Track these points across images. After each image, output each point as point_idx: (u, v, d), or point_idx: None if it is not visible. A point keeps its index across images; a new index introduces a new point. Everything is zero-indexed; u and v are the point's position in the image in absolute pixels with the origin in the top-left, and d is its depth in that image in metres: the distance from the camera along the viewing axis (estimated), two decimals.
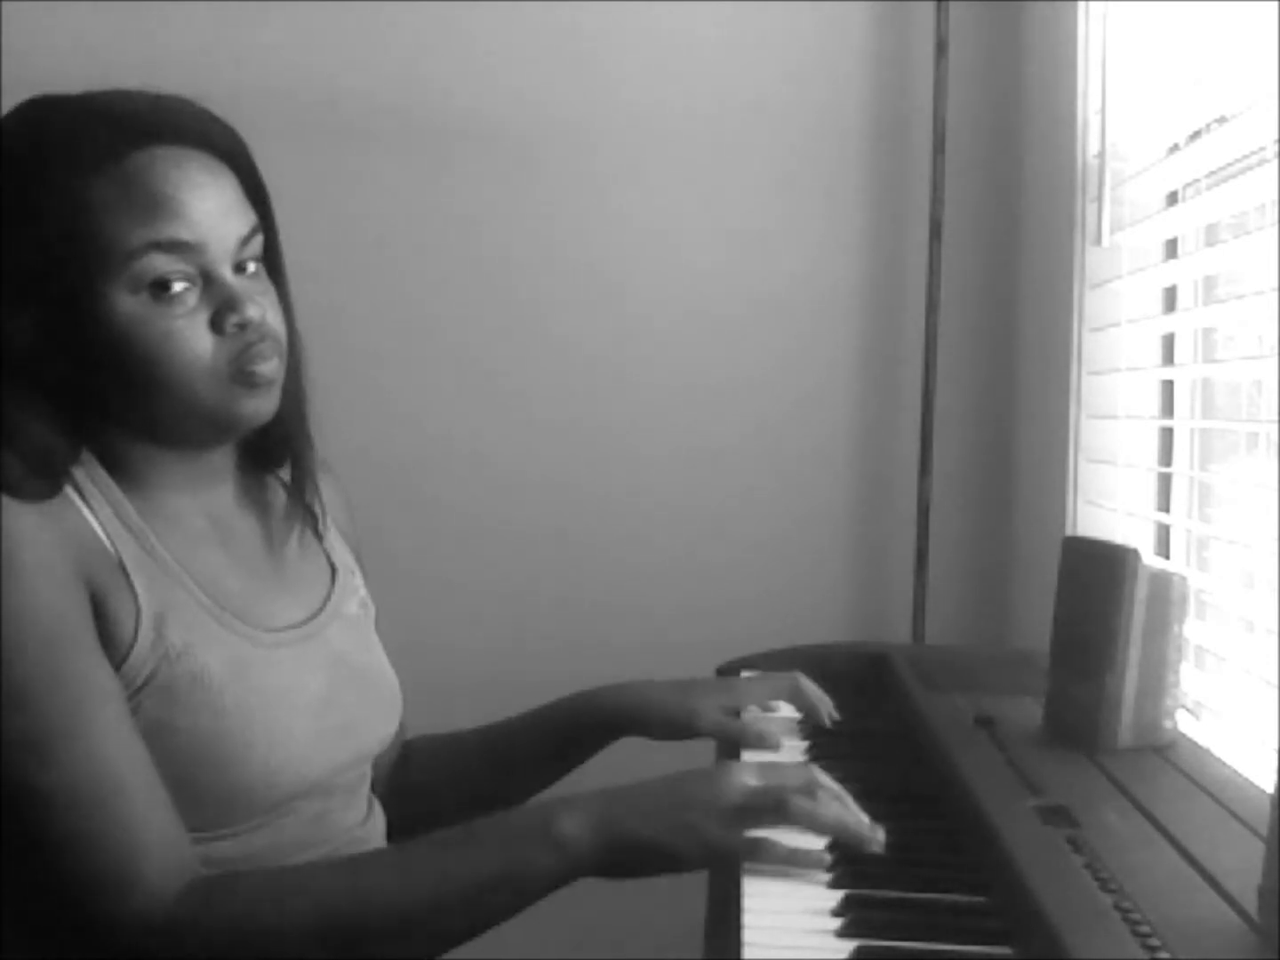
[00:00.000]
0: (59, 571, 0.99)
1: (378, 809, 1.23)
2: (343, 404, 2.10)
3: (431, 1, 2.13)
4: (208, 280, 1.05)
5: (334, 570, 1.23)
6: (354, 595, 1.24)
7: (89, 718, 0.97)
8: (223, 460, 1.16)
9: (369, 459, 2.14)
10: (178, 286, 1.03)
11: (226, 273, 1.06)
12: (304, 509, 1.22)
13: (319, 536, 1.24)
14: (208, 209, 1.05)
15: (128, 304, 1.03)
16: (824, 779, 1.01)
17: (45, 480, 1.02)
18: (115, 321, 1.03)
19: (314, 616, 1.17)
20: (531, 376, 2.18)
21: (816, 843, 0.99)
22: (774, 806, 0.97)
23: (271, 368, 1.08)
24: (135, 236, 1.02)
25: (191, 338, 1.04)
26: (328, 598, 1.20)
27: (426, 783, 1.34)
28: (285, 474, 1.23)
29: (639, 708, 1.31)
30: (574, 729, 1.33)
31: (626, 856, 0.97)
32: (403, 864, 1.00)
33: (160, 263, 1.03)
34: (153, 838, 0.97)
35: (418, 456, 2.17)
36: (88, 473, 1.06)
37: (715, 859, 0.98)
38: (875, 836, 0.98)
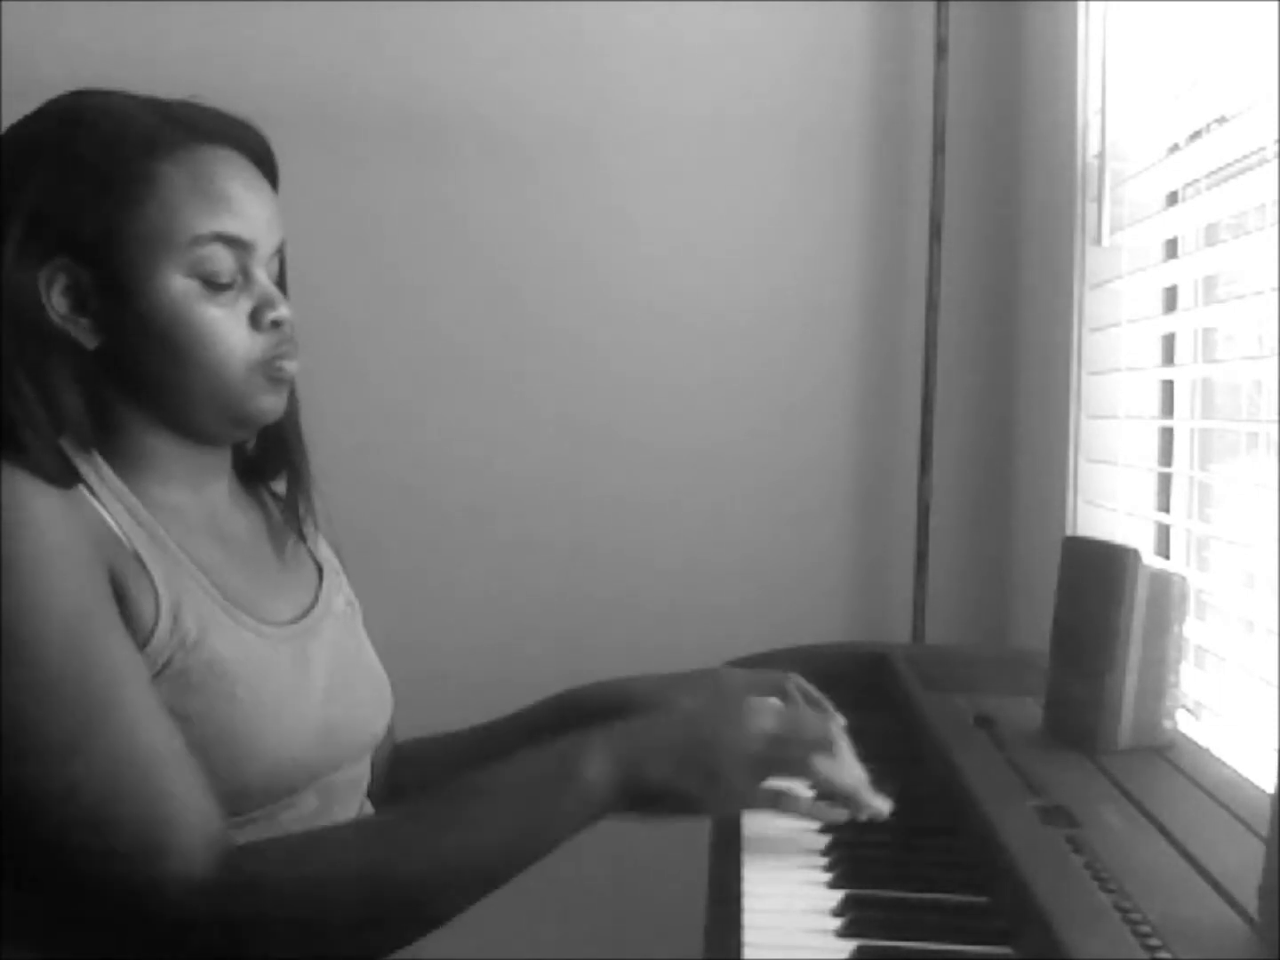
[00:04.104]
0: (84, 555, 1.01)
1: (368, 807, 1.24)
2: (343, 404, 2.11)
3: (432, 1, 2.13)
4: (247, 278, 1.11)
5: (320, 569, 1.25)
6: (340, 593, 1.26)
7: (122, 693, 0.98)
8: (220, 458, 1.19)
9: (369, 459, 2.14)
10: (228, 279, 1.09)
11: (264, 274, 1.12)
12: (290, 511, 1.25)
13: (303, 538, 1.26)
14: (261, 214, 1.11)
15: (180, 285, 1.07)
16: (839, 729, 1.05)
17: (65, 464, 1.04)
18: (165, 300, 1.07)
19: (307, 613, 1.18)
20: (531, 377, 2.18)
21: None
22: (796, 761, 1.01)
23: (294, 367, 1.14)
24: (201, 224, 1.07)
25: (234, 328, 1.10)
26: (317, 596, 1.22)
27: (418, 785, 1.34)
28: (275, 487, 1.27)
29: (623, 705, 1.30)
30: (561, 727, 1.32)
31: (647, 798, 0.99)
32: (437, 817, 1.01)
33: (219, 254, 1.08)
34: (186, 807, 0.98)
35: (417, 457, 2.17)
36: (94, 470, 1.08)
37: (736, 808, 1.02)
38: (883, 808, 1.02)
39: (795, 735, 1.02)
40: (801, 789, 1.04)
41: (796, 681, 1.37)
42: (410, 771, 1.36)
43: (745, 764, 0.99)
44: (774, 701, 1.09)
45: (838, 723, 1.07)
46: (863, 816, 1.02)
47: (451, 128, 2.16)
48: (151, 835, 0.96)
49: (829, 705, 1.35)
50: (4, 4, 2.04)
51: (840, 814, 1.01)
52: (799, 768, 1.01)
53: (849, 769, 1.02)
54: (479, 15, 2.14)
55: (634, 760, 0.99)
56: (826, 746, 1.02)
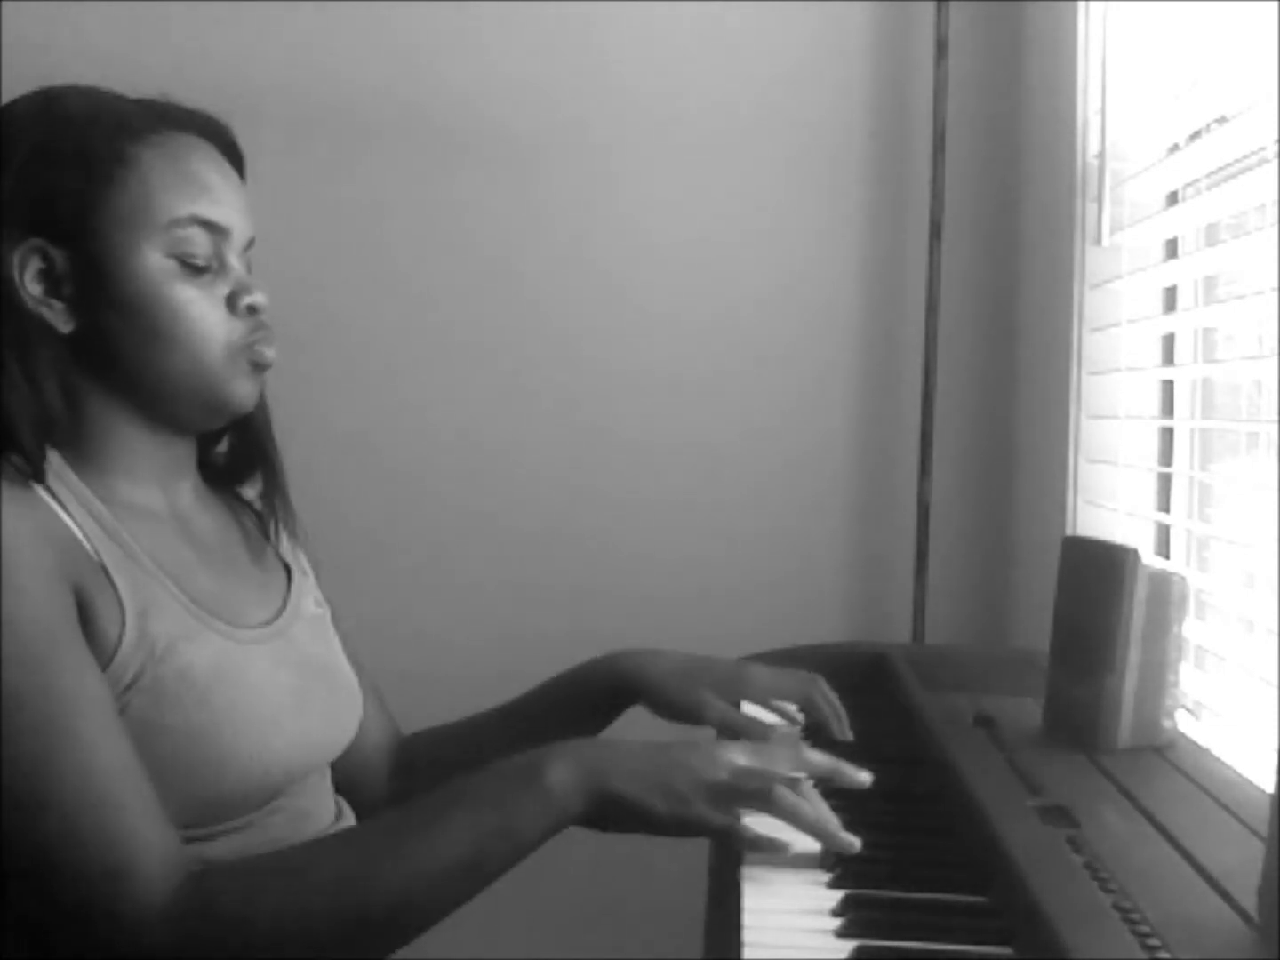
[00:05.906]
0: (48, 576, 0.99)
1: (346, 808, 1.23)
2: (344, 399, 2.11)
3: (435, 0, 2.13)
4: (223, 264, 1.11)
5: (288, 571, 1.24)
6: (309, 595, 1.25)
7: (80, 722, 0.96)
8: (188, 454, 1.18)
9: (369, 454, 2.14)
10: (205, 262, 1.10)
11: (238, 262, 1.13)
12: (266, 512, 1.24)
13: (268, 539, 1.25)
14: (236, 202, 1.13)
15: (157, 264, 1.08)
16: (813, 755, 1.04)
17: (40, 458, 1.03)
18: (143, 278, 1.07)
19: (278, 615, 1.18)
20: (532, 373, 2.18)
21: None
22: (759, 793, 0.99)
23: (272, 354, 1.14)
24: (180, 207, 1.08)
25: (210, 309, 1.10)
26: (286, 597, 1.21)
27: (437, 774, 1.32)
28: (244, 492, 1.27)
29: (646, 682, 1.32)
30: (592, 695, 1.33)
31: (610, 811, 0.99)
32: (401, 830, 1.00)
33: (198, 236, 1.09)
34: (144, 837, 0.96)
35: (420, 452, 2.17)
36: (58, 475, 1.06)
37: (691, 831, 1.00)
38: (852, 843, 0.99)
39: (764, 767, 1.01)
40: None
41: (820, 686, 1.36)
42: (428, 762, 1.34)
43: (708, 789, 0.99)
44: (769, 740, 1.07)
45: (811, 757, 1.05)
46: (832, 849, 1.01)
47: (452, 125, 2.16)
48: (110, 857, 0.95)
49: (845, 716, 1.35)
50: (4, 4, 2.04)
51: (788, 848, 0.99)
52: (761, 799, 0.99)
53: (813, 805, 1.01)
54: (480, 12, 2.14)
55: (599, 770, 0.98)
56: (792, 783, 1.00)
